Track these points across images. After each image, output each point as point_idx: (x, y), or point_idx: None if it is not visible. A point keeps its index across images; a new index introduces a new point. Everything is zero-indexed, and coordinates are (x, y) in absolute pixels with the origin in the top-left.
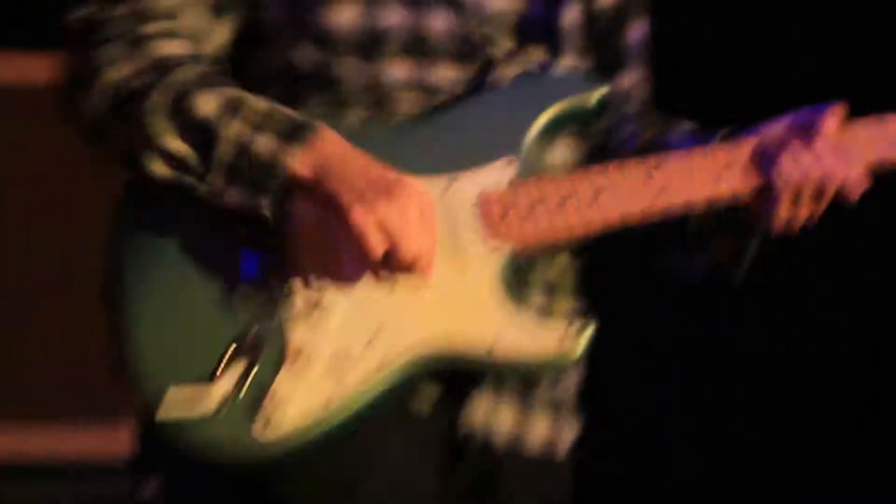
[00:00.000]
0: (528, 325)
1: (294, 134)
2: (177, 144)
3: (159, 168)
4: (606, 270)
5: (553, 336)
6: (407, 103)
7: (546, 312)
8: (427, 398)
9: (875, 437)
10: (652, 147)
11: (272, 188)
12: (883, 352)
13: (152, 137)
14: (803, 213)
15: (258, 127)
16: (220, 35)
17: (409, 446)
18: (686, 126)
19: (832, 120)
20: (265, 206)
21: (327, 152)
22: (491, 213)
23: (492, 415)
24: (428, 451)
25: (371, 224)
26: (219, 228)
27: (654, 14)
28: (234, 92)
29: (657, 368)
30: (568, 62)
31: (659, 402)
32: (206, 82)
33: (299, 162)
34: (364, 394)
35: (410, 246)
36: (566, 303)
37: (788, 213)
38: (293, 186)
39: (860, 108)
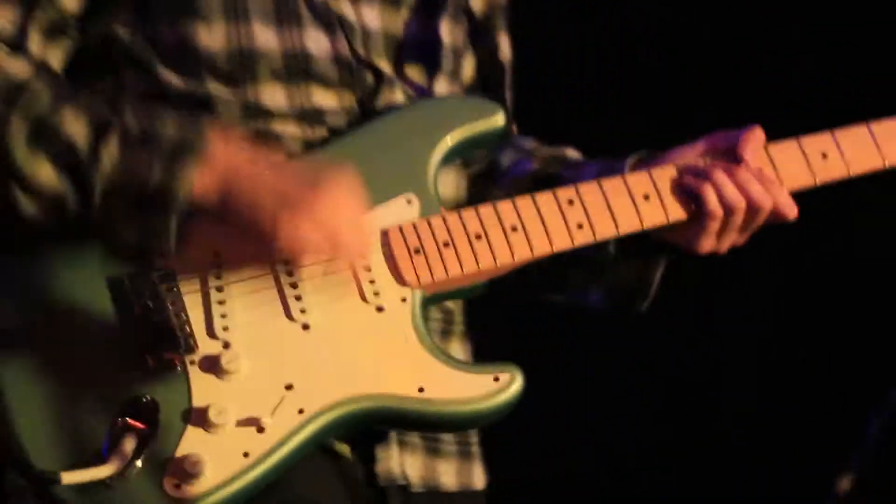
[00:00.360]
0: (454, 373)
1: (182, 151)
2: (46, 175)
3: (28, 207)
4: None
5: (481, 384)
6: (288, 134)
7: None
8: (345, 443)
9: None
10: (553, 179)
11: (168, 219)
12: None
13: (17, 171)
14: (731, 240)
15: (139, 147)
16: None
17: (338, 486)
18: (573, 153)
19: (752, 145)
20: (165, 237)
21: (225, 165)
22: (399, 257)
23: (403, 463)
24: (354, 494)
25: (305, 233)
26: (92, 283)
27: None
28: (102, 106)
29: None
30: (442, 86)
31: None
32: (65, 97)
33: (196, 183)
34: (286, 447)
35: (352, 242)
36: (457, 345)
37: (714, 242)
38: (194, 209)
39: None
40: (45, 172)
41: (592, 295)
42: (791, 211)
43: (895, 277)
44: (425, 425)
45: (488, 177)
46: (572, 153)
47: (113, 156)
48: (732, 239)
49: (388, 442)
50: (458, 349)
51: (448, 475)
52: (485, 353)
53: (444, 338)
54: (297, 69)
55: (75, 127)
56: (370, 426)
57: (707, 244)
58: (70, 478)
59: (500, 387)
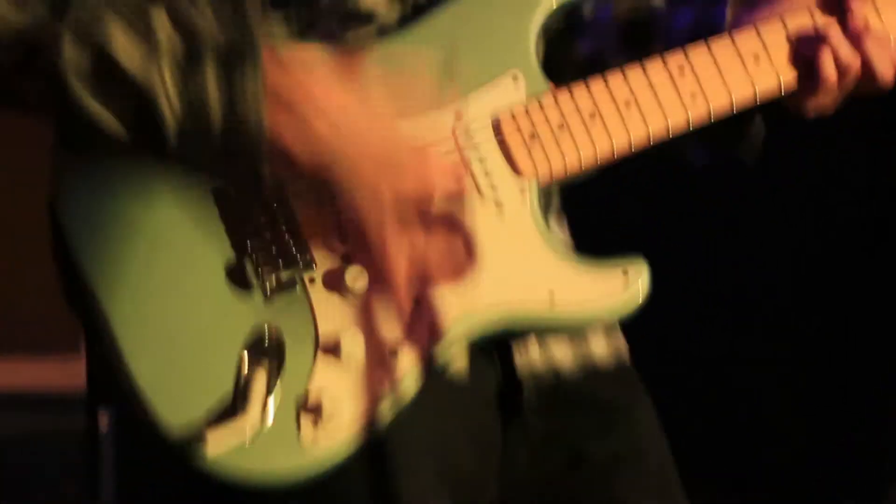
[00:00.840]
0: (582, 272)
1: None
2: (106, 117)
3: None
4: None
5: (612, 282)
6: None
7: None
8: (463, 360)
9: None
10: (649, 29)
11: (256, 162)
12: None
13: (80, 108)
14: (837, 101)
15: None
16: None
17: (449, 415)
18: None
19: None
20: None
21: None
22: (515, 145)
23: (546, 352)
24: (468, 418)
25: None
26: (194, 198)
27: None
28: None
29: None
30: None
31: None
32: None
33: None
34: (419, 368)
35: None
36: (555, 221)
37: (822, 104)
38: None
39: None
40: (105, 118)
41: (696, 150)
42: (890, 76)
43: None
44: (556, 329)
45: (569, 29)
46: None
47: (174, 83)
48: (840, 99)
49: (520, 337)
50: (556, 227)
51: (599, 347)
52: (579, 228)
53: (545, 217)
54: None
55: (128, 50)
56: (500, 333)
57: (814, 106)
58: (216, 445)
59: (629, 281)
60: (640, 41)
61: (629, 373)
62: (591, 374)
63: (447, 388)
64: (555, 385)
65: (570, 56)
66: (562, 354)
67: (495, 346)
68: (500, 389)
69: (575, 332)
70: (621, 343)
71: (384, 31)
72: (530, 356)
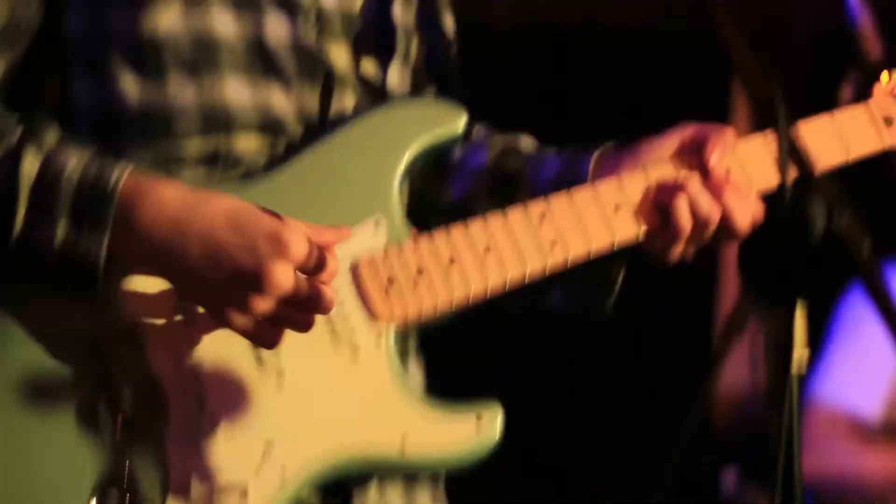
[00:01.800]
0: (435, 416)
1: (88, 214)
2: None
3: None
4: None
5: (465, 427)
6: (247, 144)
7: None
8: (313, 499)
9: None
10: (513, 179)
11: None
12: None
13: None
14: (695, 248)
15: (42, 210)
16: None
17: None
18: (528, 141)
19: (721, 148)
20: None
21: (141, 227)
22: (372, 291)
23: (383, 498)
24: None
25: (256, 328)
26: (55, 337)
27: None
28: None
29: None
30: (395, 72)
31: None
32: None
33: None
34: None
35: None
36: (414, 363)
37: (682, 251)
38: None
39: None
40: None
41: (554, 296)
42: (755, 221)
43: None
44: (408, 472)
45: (438, 173)
46: (527, 142)
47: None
48: (699, 246)
49: (364, 480)
50: (415, 368)
51: (425, 496)
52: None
53: (403, 359)
54: (259, 60)
55: None
56: (351, 475)
57: (675, 253)
58: None
59: (482, 426)
60: (507, 189)
61: None
62: None
63: None
64: None
65: (439, 200)
66: (396, 500)
67: (339, 488)
68: None
69: (426, 472)
70: (441, 494)
71: (249, 176)
72: (367, 499)
